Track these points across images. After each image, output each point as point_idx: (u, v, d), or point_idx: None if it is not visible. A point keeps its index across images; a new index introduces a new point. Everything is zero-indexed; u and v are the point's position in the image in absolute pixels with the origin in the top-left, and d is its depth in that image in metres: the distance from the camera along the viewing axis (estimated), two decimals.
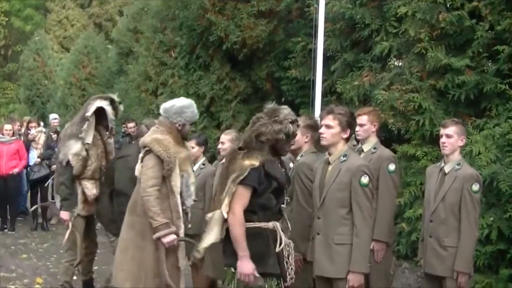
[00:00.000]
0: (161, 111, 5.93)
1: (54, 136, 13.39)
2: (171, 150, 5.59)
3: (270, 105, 4.90)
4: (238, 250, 4.50)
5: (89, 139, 7.26)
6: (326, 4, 9.37)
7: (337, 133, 5.05)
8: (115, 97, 7.80)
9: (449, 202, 5.59)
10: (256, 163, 4.51)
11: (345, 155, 5.03)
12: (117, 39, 19.91)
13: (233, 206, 4.53)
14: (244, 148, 4.69)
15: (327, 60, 9.96)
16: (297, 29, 11.98)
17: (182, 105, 5.91)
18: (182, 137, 5.94)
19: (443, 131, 5.82)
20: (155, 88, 13.10)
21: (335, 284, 5.03)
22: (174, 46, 12.82)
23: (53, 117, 14.65)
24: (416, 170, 8.12)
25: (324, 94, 9.60)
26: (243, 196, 4.53)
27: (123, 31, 19.68)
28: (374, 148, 6.07)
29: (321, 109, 9.16)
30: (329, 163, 5.12)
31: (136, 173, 5.81)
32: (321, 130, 5.14)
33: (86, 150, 7.23)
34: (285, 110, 4.76)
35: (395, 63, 9.30)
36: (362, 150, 6.10)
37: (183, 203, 5.91)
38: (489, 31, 7.76)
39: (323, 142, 5.14)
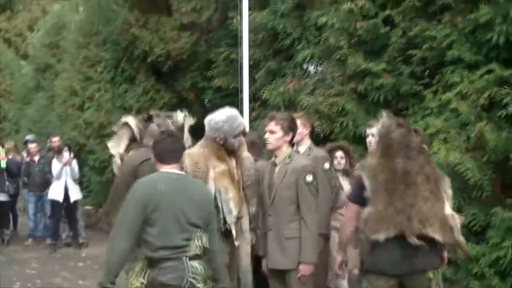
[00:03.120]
0: (205, 123, 5.60)
1: None
2: (200, 163, 5.29)
3: None
4: None
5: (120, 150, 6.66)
6: (248, 16, 9.86)
7: (281, 137, 5.48)
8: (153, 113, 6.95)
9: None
10: None
11: (289, 157, 5.49)
12: (33, 55, 19.82)
13: None
14: None
15: (250, 68, 10.46)
16: (218, 40, 12.48)
17: (219, 119, 5.48)
18: (228, 150, 5.49)
19: (369, 131, 6.39)
20: (81, 102, 13.31)
21: (288, 275, 5.41)
22: (99, 60, 13.12)
23: None
24: None
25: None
26: None
27: (38, 47, 19.63)
28: (309, 149, 6.56)
29: (249, 115, 9.71)
30: (275, 165, 5.56)
31: None
32: (265, 136, 5.59)
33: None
34: None
35: (317, 69, 9.88)
36: (298, 152, 6.51)
37: (224, 220, 5.42)
38: (402, 37, 8.42)
39: (269, 147, 5.58)
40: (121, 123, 6.50)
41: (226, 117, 5.51)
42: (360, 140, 8.53)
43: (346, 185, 7.14)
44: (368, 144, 6.39)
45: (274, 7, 10.13)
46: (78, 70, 13.41)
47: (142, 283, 4.32)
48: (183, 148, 4.79)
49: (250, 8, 9.94)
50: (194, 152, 5.41)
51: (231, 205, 5.42)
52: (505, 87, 7.06)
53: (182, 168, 4.72)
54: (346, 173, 7.35)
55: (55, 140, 12.29)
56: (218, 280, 4.60)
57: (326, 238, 6.48)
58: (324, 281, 6.60)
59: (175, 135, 4.81)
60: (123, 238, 4.28)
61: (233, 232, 5.44)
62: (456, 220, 4.63)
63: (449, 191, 4.72)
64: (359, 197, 4.70)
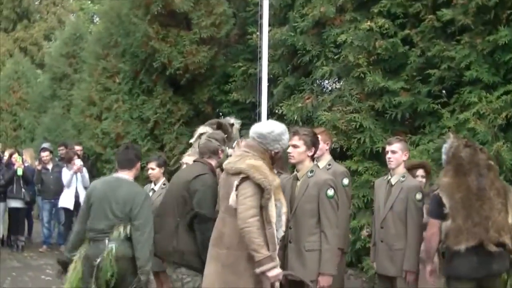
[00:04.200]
0: (254, 135, 5.34)
1: None
2: (269, 177, 5.07)
3: None
4: None
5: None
6: (268, 32, 10.01)
7: (303, 152, 5.62)
8: (223, 121, 7.18)
9: (396, 210, 6.28)
10: None
11: (311, 171, 5.62)
12: (50, 64, 20.00)
13: None
14: None
15: (268, 83, 10.59)
16: (236, 55, 12.69)
17: (280, 132, 5.33)
18: (272, 164, 5.39)
19: (388, 148, 6.49)
20: (99, 113, 13.43)
21: (307, 286, 5.52)
22: (118, 72, 13.25)
23: None
24: (359, 184, 8.80)
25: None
26: None
27: (55, 56, 19.83)
28: (329, 164, 6.66)
29: None
30: (297, 179, 5.68)
31: (230, 202, 5.13)
32: (288, 150, 5.70)
33: None
34: None
35: (335, 85, 10.01)
36: (318, 167, 6.59)
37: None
38: (421, 57, 8.56)
39: (292, 160, 5.72)
40: (197, 135, 6.48)
41: (284, 129, 5.38)
42: (376, 156, 8.66)
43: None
44: (387, 161, 6.49)
45: (294, 24, 10.27)
46: (97, 81, 13.53)
47: (79, 256, 5.83)
48: (137, 157, 6.02)
49: (269, 24, 10.09)
50: (258, 165, 5.14)
51: (283, 220, 5.25)
52: None
53: (135, 173, 6.04)
54: (426, 195, 6.74)
55: (77, 149, 12.57)
56: (140, 267, 5.65)
57: (343, 252, 6.59)
58: None
59: (131, 147, 6.18)
60: (78, 222, 5.98)
61: (278, 246, 5.27)
62: None
63: None
64: (439, 214, 5.33)
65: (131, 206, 5.71)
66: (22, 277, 10.42)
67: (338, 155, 9.13)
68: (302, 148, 5.62)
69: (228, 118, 6.46)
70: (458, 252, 5.19)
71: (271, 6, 10.22)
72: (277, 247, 5.15)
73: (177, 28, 12.57)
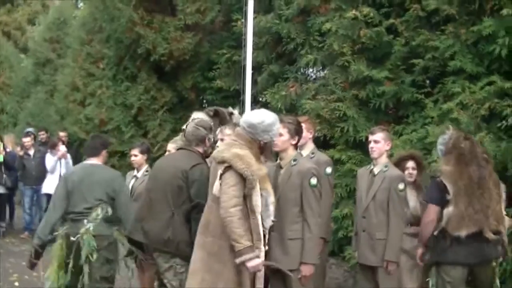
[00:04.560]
0: (244, 124, 5.28)
1: None
2: (253, 167, 5.01)
3: None
4: None
5: None
6: (253, 19, 9.97)
7: (287, 140, 5.61)
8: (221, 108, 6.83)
9: (379, 200, 6.28)
10: None
11: (295, 160, 5.61)
12: (33, 49, 19.87)
13: None
14: None
15: (252, 71, 10.56)
16: (221, 41, 12.66)
17: (271, 122, 5.26)
18: (260, 153, 5.33)
19: (371, 137, 6.49)
20: (82, 98, 13.39)
21: (288, 276, 5.50)
22: (102, 57, 13.23)
23: None
24: (342, 173, 8.81)
25: None
26: None
27: (39, 41, 19.70)
28: (312, 153, 6.65)
29: None
30: (280, 167, 5.67)
31: (214, 190, 5.18)
32: None
33: None
34: None
35: (319, 74, 10.00)
36: (301, 155, 6.54)
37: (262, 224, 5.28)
38: (405, 46, 8.56)
39: (275, 148, 5.68)
40: (190, 120, 6.23)
41: (274, 119, 5.31)
42: (359, 145, 8.67)
43: (412, 199, 6.79)
44: (370, 151, 6.48)
45: (279, 11, 10.24)
46: (81, 66, 13.50)
47: (59, 234, 6.29)
48: (102, 146, 6.60)
49: (254, 12, 10.04)
50: (242, 153, 5.07)
51: (271, 210, 5.22)
52: (506, 99, 7.19)
53: (103, 160, 6.60)
54: (417, 186, 6.88)
55: (62, 135, 12.51)
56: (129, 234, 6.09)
57: (325, 241, 6.60)
58: (322, 281, 6.74)
59: (97, 137, 7.13)
60: (58, 207, 6.31)
61: (267, 236, 5.30)
62: (507, 222, 5.72)
63: (504, 195, 5.77)
64: (440, 200, 5.52)
65: (113, 187, 6.34)
66: (3, 263, 10.35)
67: (322, 143, 9.08)
68: (286, 136, 5.61)
69: (230, 108, 6.33)
70: (457, 238, 5.42)
71: None
72: (262, 236, 5.13)
73: (162, 14, 12.52)
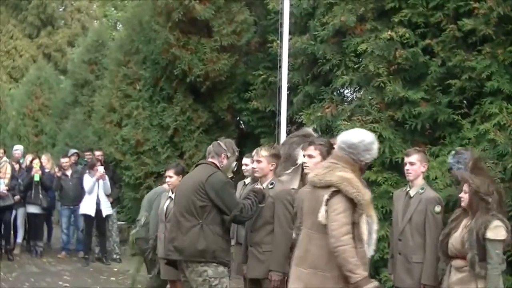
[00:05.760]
0: (343, 144, 4.94)
1: (17, 166, 13.64)
2: (362, 191, 4.69)
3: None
4: None
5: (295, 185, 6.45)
6: (288, 40, 10.01)
7: (319, 162, 5.56)
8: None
9: (415, 223, 6.23)
10: None
11: None
12: (72, 71, 20.18)
13: None
14: None
15: (288, 92, 10.58)
16: (256, 63, 12.69)
17: (371, 140, 4.96)
18: (361, 175, 5.06)
19: (406, 159, 6.45)
20: (119, 119, 13.51)
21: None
22: (138, 79, 13.33)
23: (16, 149, 14.97)
24: (378, 195, 8.70)
25: None
26: None
27: (77, 63, 20.01)
28: None
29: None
30: None
31: (320, 218, 4.76)
32: (304, 160, 5.70)
33: None
34: None
35: (355, 95, 9.95)
36: None
37: None
38: (441, 67, 8.47)
39: (306, 171, 5.69)
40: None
41: (373, 138, 5.01)
42: (396, 167, 8.59)
43: None
44: (406, 173, 6.43)
45: (314, 32, 10.24)
46: (118, 88, 13.63)
47: None
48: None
49: (290, 33, 10.09)
50: (349, 177, 4.74)
51: (374, 238, 4.93)
52: None
53: None
54: None
55: (98, 154, 12.66)
56: None
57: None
58: None
59: None
60: None
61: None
62: None
63: None
64: None
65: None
66: (40, 282, 10.51)
67: None
68: (318, 158, 5.64)
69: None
70: None
71: (291, 14, 10.23)
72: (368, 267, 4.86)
73: (198, 35, 12.61)
